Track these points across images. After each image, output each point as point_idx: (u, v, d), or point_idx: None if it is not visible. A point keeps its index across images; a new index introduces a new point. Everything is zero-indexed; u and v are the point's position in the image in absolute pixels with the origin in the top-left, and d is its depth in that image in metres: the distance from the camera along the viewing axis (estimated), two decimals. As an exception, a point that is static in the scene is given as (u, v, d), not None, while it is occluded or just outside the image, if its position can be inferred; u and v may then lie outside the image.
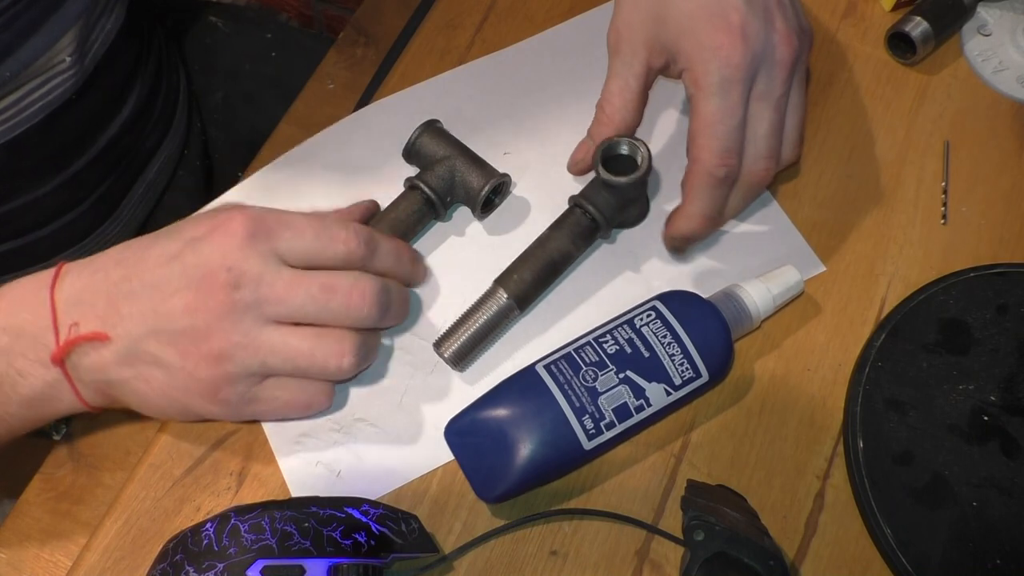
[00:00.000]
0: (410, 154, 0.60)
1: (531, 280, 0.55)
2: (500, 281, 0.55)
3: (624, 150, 0.55)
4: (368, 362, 0.53)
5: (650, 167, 0.54)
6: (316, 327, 0.49)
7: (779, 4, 0.53)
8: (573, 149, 0.59)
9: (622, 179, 0.54)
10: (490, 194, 0.58)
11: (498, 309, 0.54)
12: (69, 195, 0.70)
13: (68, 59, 0.64)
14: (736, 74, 0.51)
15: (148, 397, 0.49)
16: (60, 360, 0.47)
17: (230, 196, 0.62)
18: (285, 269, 0.48)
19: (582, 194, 0.56)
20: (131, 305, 0.47)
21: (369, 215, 0.58)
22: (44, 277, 0.49)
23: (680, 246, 0.57)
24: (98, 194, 0.73)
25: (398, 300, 0.52)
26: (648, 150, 0.54)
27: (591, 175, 0.56)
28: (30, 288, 0.48)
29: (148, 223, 0.80)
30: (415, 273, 0.56)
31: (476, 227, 0.60)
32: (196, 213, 0.52)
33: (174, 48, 0.84)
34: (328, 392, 0.53)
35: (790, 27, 0.53)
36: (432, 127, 0.60)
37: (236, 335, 0.47)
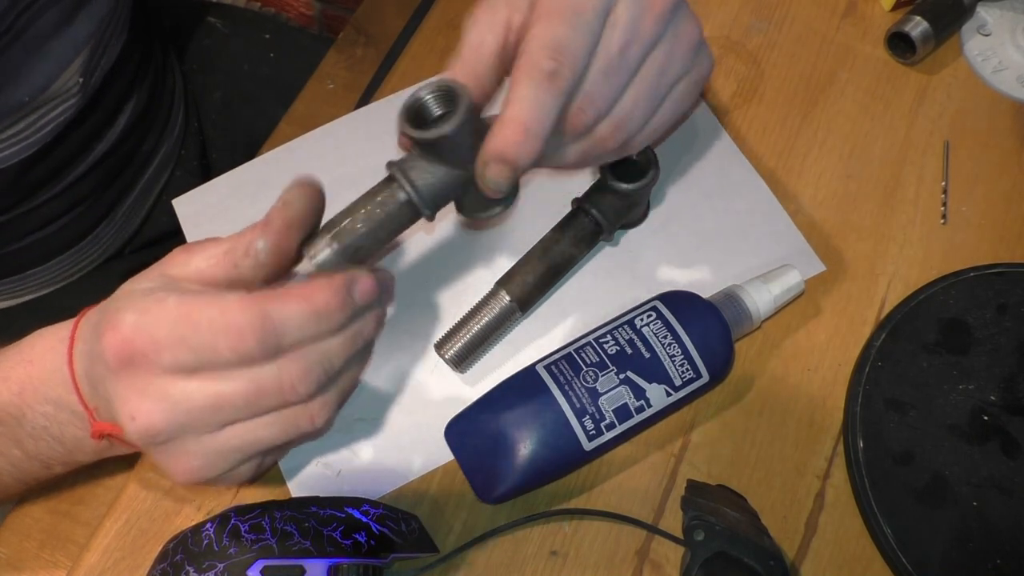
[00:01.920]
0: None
1: (533, 282, 0.55)
2: (502, 283, 0.55)
3: (635, 155, 0.53)
4: (347, 395, 0.47)
5: (658, 173, 0.54)
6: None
7: None
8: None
9: (630, 186, 0.54)
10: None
11: (500, 311, 0.54)
12: (66, 202, 0.70)
13: (80, 80, 0.64)
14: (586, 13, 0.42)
15: None
16: (100, 438, 0.47)
17: (224, 181, 0.63)
18: (189, 385, 0.41)
19: (585, 197, 0.56)
20: (110, 402, 0.44)
21: (309, 208, 0.44)
22: (61, 346, 0.46)
23: (496, 176, 0.42)
24: (95, 199, 0.73)
25: (349, 351, 0.44)
26: (655, 155, 0.54)
27: (581, 177, 0.56)
28: (52, 358, 0.47)
29: (146, 223, 0.80)
30: (349, 310, 0.43)
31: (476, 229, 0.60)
32: (125, 285, 0.45)
33: (171, 50, 0.84)
34: (319, 432, 0.48)
35: None
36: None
37: (192, 460, 0.43)
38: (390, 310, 0.57)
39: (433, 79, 0.44)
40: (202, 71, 0.87)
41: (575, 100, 0.43)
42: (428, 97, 0.44)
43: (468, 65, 0.44)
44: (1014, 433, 0.52)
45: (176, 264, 0.44)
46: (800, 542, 0.51)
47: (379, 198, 0.44)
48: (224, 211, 0.62)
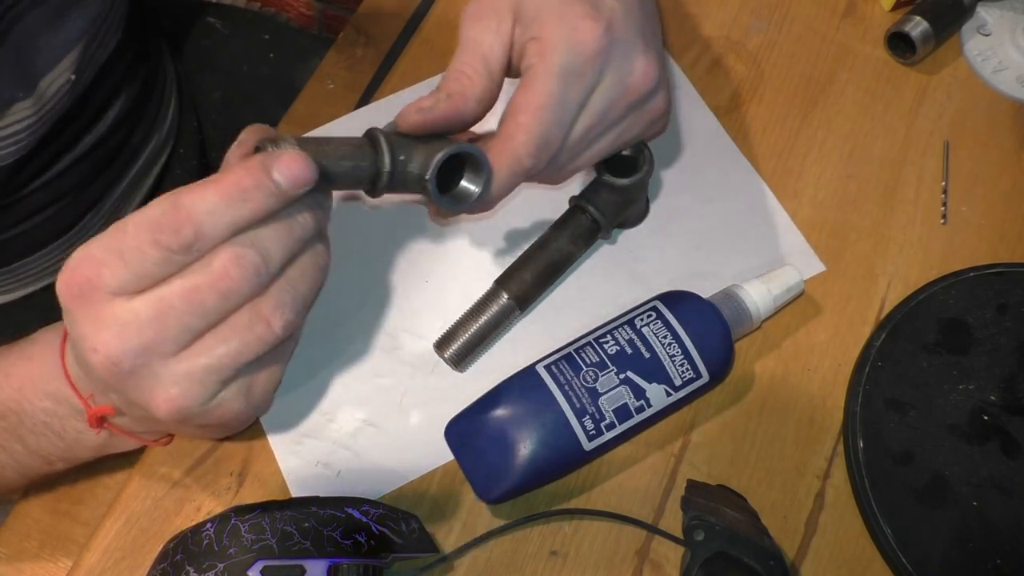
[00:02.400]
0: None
1: (532, 281, 0.55)
2: (501, 282, 0.55)
3: (626, 151, 0.54)
4: (307, 297, 0.45)
5: (652, 168, 0.54)
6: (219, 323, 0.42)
7: (653, 36, 0.50)
8: None
9: (624, 180, 0.54)
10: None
11: (499, 310, 0.54)
12: (52, 193, 0.70)
13: (72, 78, 0.64)
14: (586, 66, 0.46)
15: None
16: (98, 426, 0.47)
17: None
18: (136, 303, 0.40)
19: (582, 195, 0.56)
20: (90, 381, 0.45)
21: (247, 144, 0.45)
22: (58, 340, 0.47)
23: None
24: (81, 190, 0.73)
25: (285, 238, 0.42)
26: (650, 151, 0.54)
27: (574, 178, 0.55)
28: (50, 353, 0.47)
29: None
30: (273, 191, 0.41)
31: (474, 227, 0.60)
32: None
33: (164, 45, 0.84)
34: (288, 345, 0.47)
35: (656, 61, 0.49)
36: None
37: (169, 388, 0.42)
38: (391, 310, 0.57)
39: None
40: (202, 71, 0.87)
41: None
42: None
43: (483, 88, 0.47)
44: (1014, 433, 0.52)
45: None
46: (800, 542, 0.51)
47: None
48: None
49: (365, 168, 0.45)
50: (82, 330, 0.41)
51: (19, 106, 0.61)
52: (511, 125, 0.47)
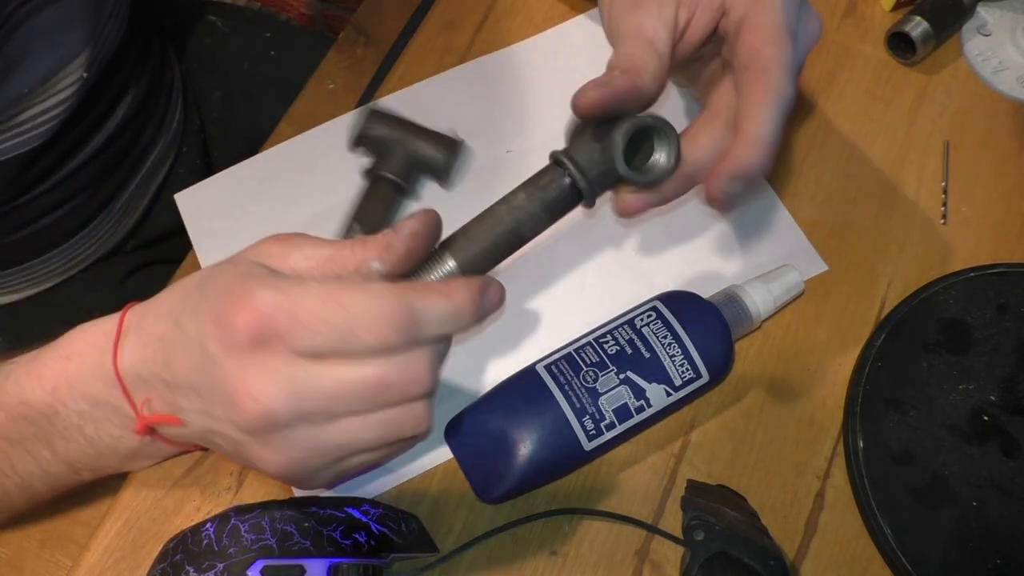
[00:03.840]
0: (359, 144, 0.60)
1: (485, 249, 0.46)
2: (447, 246, 0.46)
3: (652, 134, 0.46)
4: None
5: (679, 162, 0.46)
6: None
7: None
8: None
9: (642, 176, 0.46)
10: (450, 160, 0.59)
11: (443, 279, 0.47)
12: (63, 193, 0.70)
13: (85, 75, 0.64)
14: (792, 25, 0.46)
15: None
16: (145, 432, 0.46)
17: (226, 177, 0.63)
18: (316, 369, 0.40)
19: (567, 151, 0.46)
20: (186, 400, 0.43)
21: (430, 238, 0.45)
22: (103, 341, 0.46)
23: (732, 188, 0.46)
24: (92, 191, 0.73)
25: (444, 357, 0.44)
26: (679, 141, 0.46)
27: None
28: (93, 354, 0.46)
29: (148, 220, 0.80)
30: (480, 316, 0.44)
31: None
32: (211, 271, 0.44)
33: (169, 44, 0.84)
34: (414, 442, 0.47)
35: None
36: (375, 112, 0.60)
37: (294, 453, 0.41)
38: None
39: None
40: (202, 70, 0.87)
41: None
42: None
43: (652, 67, 0.45)
44: (1014, 433, 0.52)
45: (273, 256, 0.43)
46: (800, 542, 0.51)
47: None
48: (226, 206, 0.62)
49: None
50: (248, 372, 0.40)
51: (27, 101, 0.61)
52: (757, 62, 0.45)
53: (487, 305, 0.44)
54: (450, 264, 0.45)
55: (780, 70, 0.45)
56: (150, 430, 0.46)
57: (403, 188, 0.59)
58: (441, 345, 0.43)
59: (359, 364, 0.40)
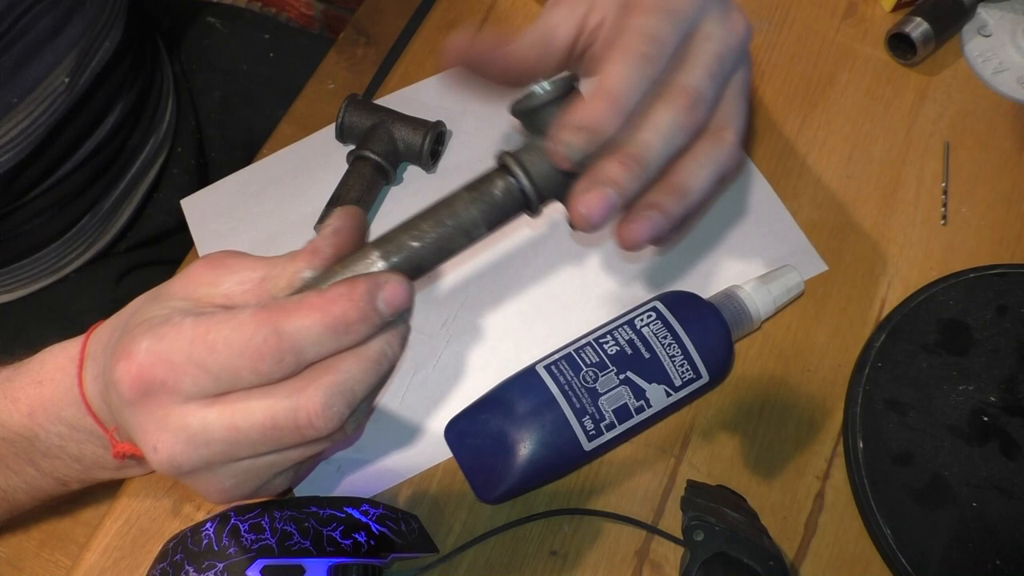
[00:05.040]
0: (343, 133, 0.61)
1: (421, 250, 0.42)
2: (378, 245, 0.41)
3: (548, 93, 0.42)
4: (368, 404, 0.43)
5: (568, 90, 0.43)
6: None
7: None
8: None
9: (524, 110, 0.43)
10: (433, 145, 0.60)
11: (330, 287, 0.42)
12: (54, 197, 0.70)
13: (67, 80, 0.64)
14: (682, 10, 0.43)
15: None
16: (123, 458, 0.46)
17: (232, 182, 0.63)
18: (208, 413, 0.38)
19: (516, 154, 0.42)
20: (129, 431, 0.42)
21: (356, 234, 0.42)
22: (71, 366, 0.45)
23: (570, 138, 0.41)
24: (80, 193, 0.73)
25: (373, 378, 0.40)
26: (575, 80, 0.43)
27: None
28: (63, 379, 0.45)
29: (140, 221, 0.80)
30: (376, 322, 0.39)
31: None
32: (141, 305, 0.43)
33: (162, 46, 0.84)
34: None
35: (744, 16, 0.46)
36: (354, 101, 0.61)
37: (219, 483, 0.41)
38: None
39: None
40: (201, 71, 0.87)
41: (690, 92, 0.43)
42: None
43: (537, 44, 0.44)
44: (1013, 434, 0.52)
45: (202, 284, 0.41)
46: (800, 542, 0.51)
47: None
48: (230, 210, 0.62)
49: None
50: (143, 424, 0.39)
51: (16, 111, 0.61)
52: (623, 29, 0.43)
53: (383, 305, 0.39)
54: (378, 265, 0.41)
55: (638, 33, 0.42)
56: (127, 456, 0.46)
57: (384, 169, 0.59)
58: (352, 367, 0.39)
59: (247, 408, 0.38)
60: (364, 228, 0.43)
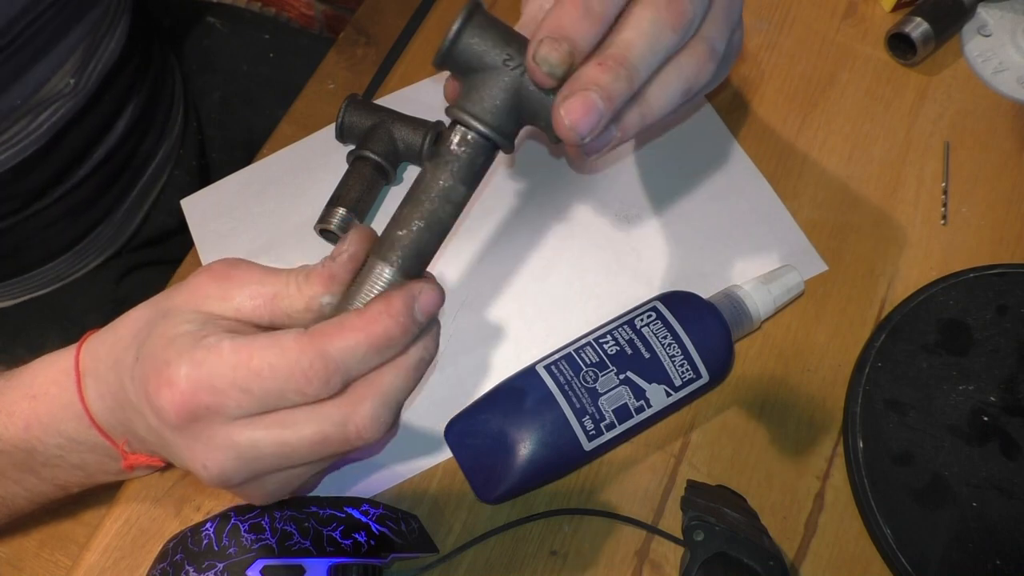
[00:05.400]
0: (343, 133, 0.61)
1: (417, 244, 0.41)
2: (378, 253, 0.41)
3: (458, 24, 0.39)
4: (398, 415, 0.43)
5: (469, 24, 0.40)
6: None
7: None
8: None
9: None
10: (433, 144, 0.60)
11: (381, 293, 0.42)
12: (67, 205, 0.70)
13: (72, 81, 0.64)
14: None
15: None
16: (133, 469, 0.46)
17: (232, 182, 0.63)
18: (256, 432, 0.39)
19: (460, 104, 0.41)
20: (156, 448, 0.44)
21: (359, 257, 0.42)
22: (66, 380, 0.45)
23: (547, 52, 0.38)
24: (94, 202, 0.73)
25: (412, 384, 0.41)
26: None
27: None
28: (60, 394, 0.45)
29: (145, 224, 0.80)
30: (414, 332, 0.40)
31: (472, 220, 0.60)
32: (148, 321, 0.42)
33: (169, 50, 0.84)
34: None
35: None
36: (354, 101, 0.61)
37: (258, 491, 0.43)
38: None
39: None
40: (201, 71, 0.87)
41: None
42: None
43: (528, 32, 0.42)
44: (1013, 434, 0.52)
45: (211, 298, 0.41)
46: (800, 542, 0.51)
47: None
48: (231, 210, 0.62)
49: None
50: (191, 446, 0.40)
51: (18, 112, 0.61)
52: None
53: (420, 315, 0.40)
54: (386, 275, 0.41)
55: None
56: (139, 465, 0.46)
57: (385, 169, 0.59)
58: (395, 378, 0.40)
59: (295, 423, 0.39)
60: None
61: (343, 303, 0.41)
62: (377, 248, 0.41)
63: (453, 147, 0.41)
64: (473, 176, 0.41)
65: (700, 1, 0.40)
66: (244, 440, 0.39)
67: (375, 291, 0.41)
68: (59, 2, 0.60)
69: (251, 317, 0.41)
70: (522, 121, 0.41)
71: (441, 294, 0.41)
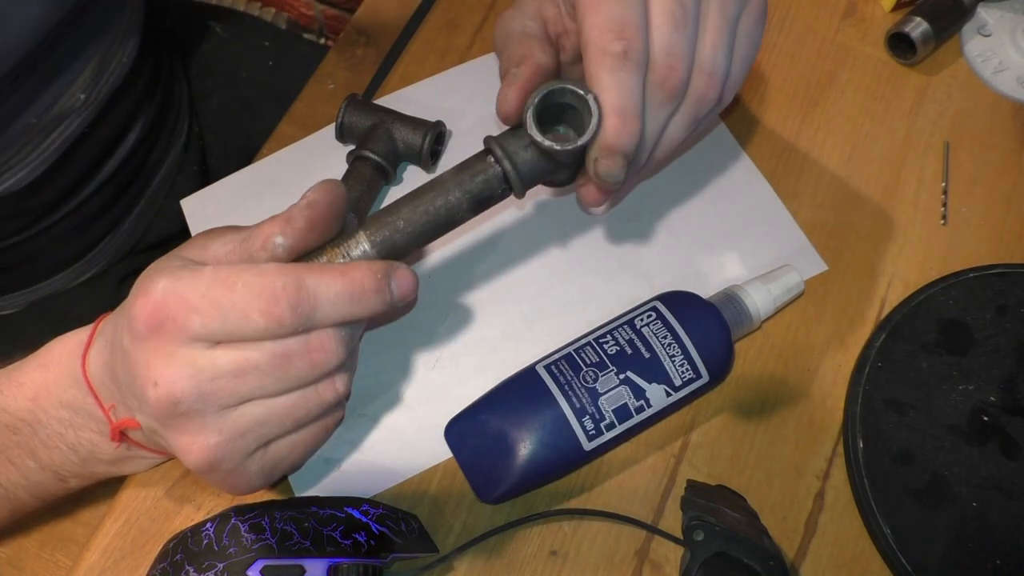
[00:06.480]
0: (343, 133, 0.61)
1: (405, 234, 0.44)
2: (365, 226, 0.44)
3: (568, 99, 0.42)
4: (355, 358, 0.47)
5: (599, 127, 0.42)
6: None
7: None
8: None
9: (563, 147, 0.42)
10: (433, 145, 0.60)
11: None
12: (77, 219, 0.71)
13: (82, 96, 0.64)
14: None
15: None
16: (119, 439, 0.46)
17: (231, 182, 0.63)
18: (218, 354, 0.40)
19: (500, 141, 0.43)
20: (128, 399, 0.44)
21: (333, 209, 0.44)
22: (78, 348, 0.46)
23: (609, 168, 0.43)
24: (104, 214, 0.73)
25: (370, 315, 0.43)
26: (599, 104, 0.42)
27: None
28: (68, 361, 0.46)
29: (149, 232, 0.80)
30: (386, 300, 0.42)
31: (472, 220, 0.60)
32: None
33: (178, 58, 0.84)
34: (337, 415, 0.48)
35: None
36: (354, 101, 0.61)
37: (211, 437, 0.42)
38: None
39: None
40: (200, 75, 0.87)
41: (660, 62, 0.43)
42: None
43: (522, 53, 0.47)
44: (1013, 434, 0.52)
45: (195, 247, 0.44)
46: (800, 542, 0.51)
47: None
48: (231, 210, 0.62)
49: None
50: (148, 359, 0.40)
51: (31, 130, 0.61)
52: (580, 33, 0.42)
53: (395, 291, 0.43)
54: (364, 246, 0.43)
55: (602, 32, 0.42)
56: (124, 436, 0.46)
57: (384, 169, 0.59)
58: (348, 329, 0.43)
59: (255, 347, 0.40)
60: (342, 203, 0.44)
61: (314, 255, 0.43)
62: (367, 223, 0.44)
63: (481, 177, 0.44)
64: (480, 205, 0.44)
65: (691, 55, 0.43)
66: (203, 358, 0.40)
67: (349, 256, 0.43)
68: (76, 20, 0.61)
69: (224, 262, 0.43)
70: (542, 181, 0.45)
71: (415, 282, 0.44)
